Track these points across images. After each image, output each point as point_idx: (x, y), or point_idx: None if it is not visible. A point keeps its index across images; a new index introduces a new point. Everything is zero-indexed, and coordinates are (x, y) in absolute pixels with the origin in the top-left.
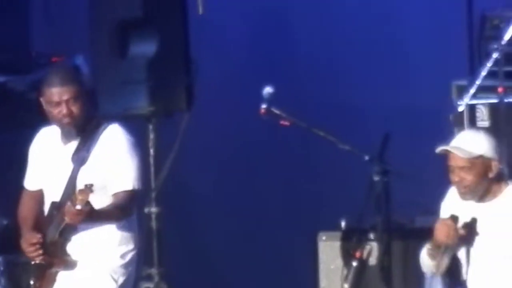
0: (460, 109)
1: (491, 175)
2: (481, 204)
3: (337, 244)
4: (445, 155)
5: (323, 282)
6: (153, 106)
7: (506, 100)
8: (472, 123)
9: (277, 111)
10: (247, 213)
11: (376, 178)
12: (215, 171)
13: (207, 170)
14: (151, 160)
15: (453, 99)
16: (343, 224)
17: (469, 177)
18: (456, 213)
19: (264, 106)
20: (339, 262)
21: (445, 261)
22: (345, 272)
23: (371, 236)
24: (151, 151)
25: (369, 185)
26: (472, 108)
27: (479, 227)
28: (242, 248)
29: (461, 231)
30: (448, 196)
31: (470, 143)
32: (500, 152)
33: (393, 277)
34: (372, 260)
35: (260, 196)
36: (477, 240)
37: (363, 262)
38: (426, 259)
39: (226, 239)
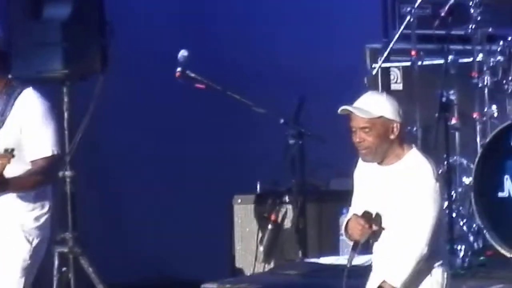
0: (374, 72)
1: (392, 136)
2: (385, 167)
3: (252, 207)
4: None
5: (238, 245)
6: (67, 68)
7: (419, 63)
8: (386, 85)
9: (192, 74)
10: (163, 177)
11: (291, 141)
12: (130, 134)
13: (123, 134)
14: (65, 124)
15: (367, 62)
16: (258, 187)
17: (369, 138)
18: (365, 179)
19: (179, 69)
20: (254, 225)
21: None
22: (260, 235)
23: (286, 198)
24: (65, 114)
25: (285, 148)
26: (386, 71)
27: (383, 189)
28: (158, 212)
29: (374, 228)
30: (358, 164)
31: (371, 104)
32: (403, 115)
33: (308, 239)
34: (287, 223)
35: (176, 159)
36: (382, 202)
37: (278, 225)
38: (345, 234)
39: (142, 203)
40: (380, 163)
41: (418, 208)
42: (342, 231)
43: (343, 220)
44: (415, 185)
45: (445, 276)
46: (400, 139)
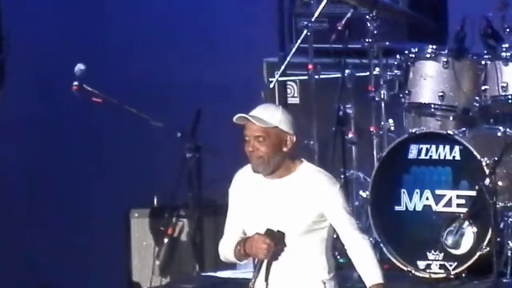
0: (271, 85)
1: (285, 149)
2: (275, 180)
3: (148, 221)
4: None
5: (135, 259)
6: None
7: (316, 77)
8: (283, 99)
9: (89, 88)
10: (58, 192)
11: (188, 154)
12: (25, 149)
13: (18, 148)
14: None
15: (264, 76)
16: (155, 200)
17: (263, 148)
18: (248, 194)
19: (76, 83)
20: (150, 238)
21: None
22: (157, 248)
23: (183, 212)
24: None
25: (181, 161)
26: (283, 85)
27: (275, 202)
28: (54, 226)
29: (278, 246)
30: (235, 181)
31: (267, 114)
32: (298, 129)
33: (204, 253)
34: (184, 237)
35: (72, 173)
36: (272, 218)
37: (174, 239)
38: (230, 256)
39: (38, 219)
40: (269, 176)
41: (341, 211)
42: (225, 254)
43: (222, 243)
44: (323, 193)
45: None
46: (292, 153)
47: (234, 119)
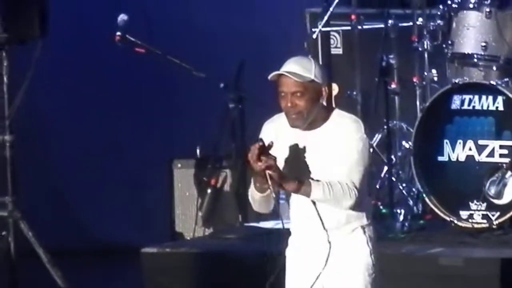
0: (314, 36)
1: (321, 100)
2: (311, 132)
3: (192, 172)
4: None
5: (178, 209)
6: (6, 33)
7: (359, 27)
8: (326, 50)
9: (132, 38)
10: (102, 141)
11: (231, 105)
12: (70, 99)
13: (62, 98)
14: (5, 88)
15: (307, 26)
16: (198, 151)
17: (301, 103)
18: (282, 145)
19: (119, 33)
20: (194, 189)
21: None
22: (200, 199)
23: (226, 163)
24: (5, 78)
25: (224, 112)
26: (326, 35)
27: (310, 152)
28: (96, 175)
29: (268, 159)
30: (264, 133)
31: (302, 68)
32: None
33: (247, 204)
34: (227, 187)
35: (115, 124)
36: (306, 168)
37: (217, 190)
38: (256, 196)
39: (80, 168)
40: (305, 127)
41: (350, 156)
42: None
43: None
44: (341, 140)
45: (371, 233)
46: (327, 103)
47: (270, 77)
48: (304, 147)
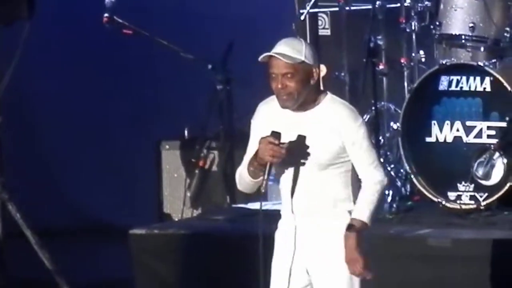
0: (302, 17)
1: (312, 82)
2: (300, 113)
3: (180, 153)
4: (267, 63)
5: (166, 190)
6: None
7: (347, 8)
8: (314, 31)
9: (119, 20)
10: (90, 122)
11: (219, 86)
12: (57, 80)
13: (49, 80)
14: None
15: (295, 7)
16: (186, 132)
17: (292, 84)
18: (273, 126)
19: (106, 14)
20: (182, 170)
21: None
22: (188, 180)
23: (213, 144)
24: None
25: (212, 93)
26: (314, 16)
27: (301, 133)
28: (85, 157)
29: (285, 146)
30: (259, 113)
31: (292, 49)
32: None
33: (235, 184)
34: (215, 168)
35: (103, 105)
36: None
37: (205, 171)
38: (247, 178)
39: (68, 149)
40: (295, 109)
41: (360, 146)
42: (240, 178)
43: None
44: (344, 125)
45: None
46: (317, 85)
47: (260, 58)
48: (292, 127)
